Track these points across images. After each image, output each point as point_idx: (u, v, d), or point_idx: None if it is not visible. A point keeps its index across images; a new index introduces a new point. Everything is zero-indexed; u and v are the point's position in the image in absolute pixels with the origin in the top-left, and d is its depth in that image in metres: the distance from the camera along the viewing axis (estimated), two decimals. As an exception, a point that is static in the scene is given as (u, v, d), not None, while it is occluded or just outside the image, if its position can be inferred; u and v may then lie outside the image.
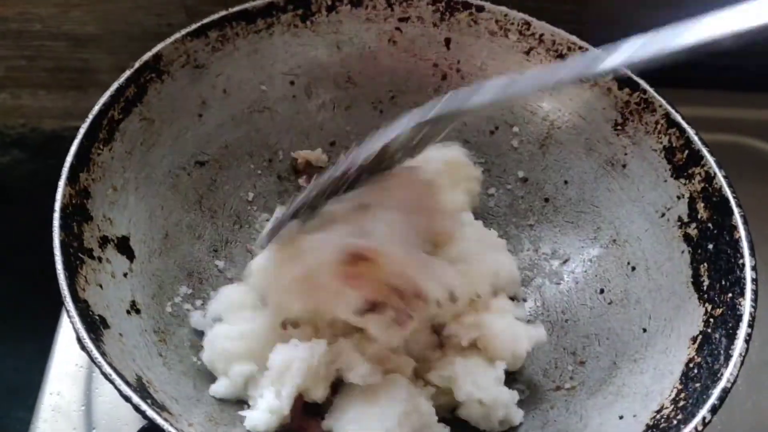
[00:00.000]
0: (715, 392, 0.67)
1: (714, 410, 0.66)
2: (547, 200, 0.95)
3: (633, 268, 0.86)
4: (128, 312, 0.76)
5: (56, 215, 0.72)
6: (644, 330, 0.81)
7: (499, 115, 0.98)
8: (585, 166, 0.93)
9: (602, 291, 0.87)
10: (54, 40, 1.17)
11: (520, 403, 0.81)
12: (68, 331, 0.90)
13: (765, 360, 0.97)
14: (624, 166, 0.90)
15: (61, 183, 0.75)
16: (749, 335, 0.70)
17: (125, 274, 0.79)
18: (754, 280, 0.73)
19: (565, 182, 0.94)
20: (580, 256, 0.91)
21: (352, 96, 0.99)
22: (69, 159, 0.77)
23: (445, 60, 0.98)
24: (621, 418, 0.74)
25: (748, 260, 0.75)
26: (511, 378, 0.84)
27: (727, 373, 0.68)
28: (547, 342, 0.85)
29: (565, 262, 0.92)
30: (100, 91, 0.83)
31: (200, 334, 0.82)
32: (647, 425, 0.70)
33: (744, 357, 0.69)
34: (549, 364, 0.85)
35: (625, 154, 0.90)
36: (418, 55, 0.99)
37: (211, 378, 0.79)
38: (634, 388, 0.76)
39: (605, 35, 0.92)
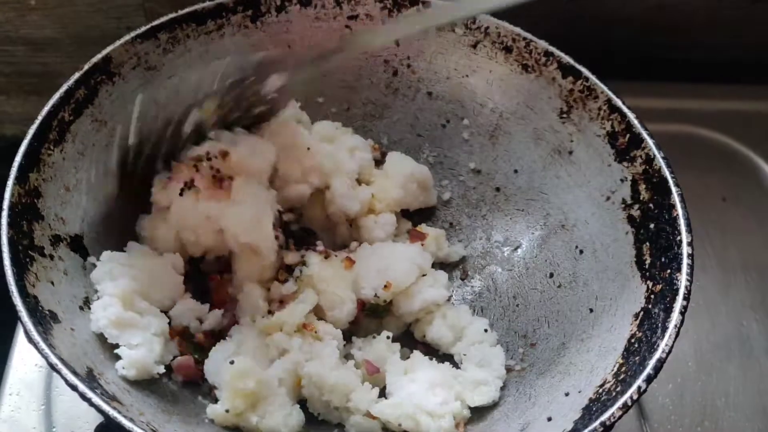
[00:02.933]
0: (651, 363, 0.69)
1: (649, 380, 0.68)
2: (498, 190, 0.97)
3: (581, 252, 0.88)
4: (81, 308, 0.77)
5: (4, 213, 0.73)
6: (591, 310, 0.83)
7: (450, 108, 1.00)
8: (534, 155, 0.95)
9: (552, 275, 0.89)
10: (12, 45, 1.18)
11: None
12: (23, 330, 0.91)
13: (715, 343, 0.99)
14: (570, 153, 0.92)
15: (10, 182, 0.76)
16: (684, 307, 0.72)
17: (79, 272, 0.80)
18: (690, 255, 0.76)
19: (515, 171, 0.96)
20: (530, 242, 0.93)
21: (303, 94, 1.00)
22: (18, 159, 0.78)
23: (395, 56, 1.00)
24: (567, 395, 0.75)
25: (684, 236, 0.77)
26: (465, 362, 0.86)
27: (663, 344, 0.70)
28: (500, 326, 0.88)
29: (516, 248, 0.93)
30: (62, 96, 0.84)
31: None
32: (590, 399, 0.72)
33: (679, 328, 0.71)
34: (501, 347, 0.86)
35: (571, 141, 0.92)
36: (368, 52, 1.01)
37: (166, 372, 0.80)
38: (581, 366, 0.78)
39: (553, 29, 0.96)
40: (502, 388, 0.82)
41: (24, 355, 0.90)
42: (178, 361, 0.80)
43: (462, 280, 0.94)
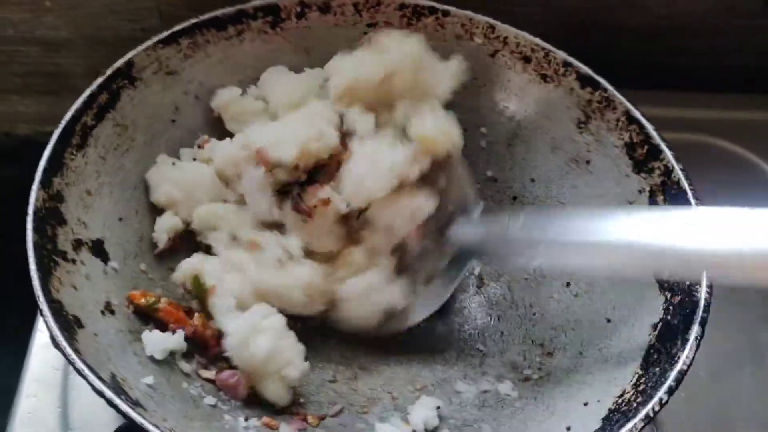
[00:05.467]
0: (672, 374, 0.70)
1: (671, 392, 0.69)
2: (515, 198, 0.98)
3: (598, 261, 0.88)
4: (103, 312, 0.77)
5: (29, 218, 0.74)
6: (608, 320, 0.83)
7: (467, 116, 1.00)
8: (551, 164, 0.96)
9: (568, 284, 0.90)
10: (27, 45, 1.18)
11: (489, 395, 0.84)
12: (44, 334, 0.90)
13: (726, 351, 0.99)
14: (588, 162, 0.93)
15: (35, 187, 0.76)
16: (704, 319, 0.73)
17: (100, 276, 0.80)
18: (710, 268, 0.76)
19: (532, 180, 0.97)
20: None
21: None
22: (42, 163, 0.78)
23: (413, 64, 1.01)
24: (586, 404, 0.76)
25: (704, 248, 0.77)
26: (481, 371, 0.87)
27: (684, 356, 0.70)
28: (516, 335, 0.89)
29: (533, 257, 0.94)
30: (74, 96, 0.84)
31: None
32: (609, 409, 0.73)
33: (700, 340, 0.71)
34: (518, 356, 0.87)
35: (589, 151, 0.93)
36: (386, 58, 1.01)
37: (185, 377, 0.80)
38: (599, 376, 0.79)
39: (563, 38, 0.97)
40: (521, 397, 0.83)
41: (41, 357, 0.91)
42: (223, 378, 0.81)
43: (478, 288, 0.94)
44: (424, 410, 0.82)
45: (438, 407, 0.82)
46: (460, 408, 0.84)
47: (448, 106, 0.99)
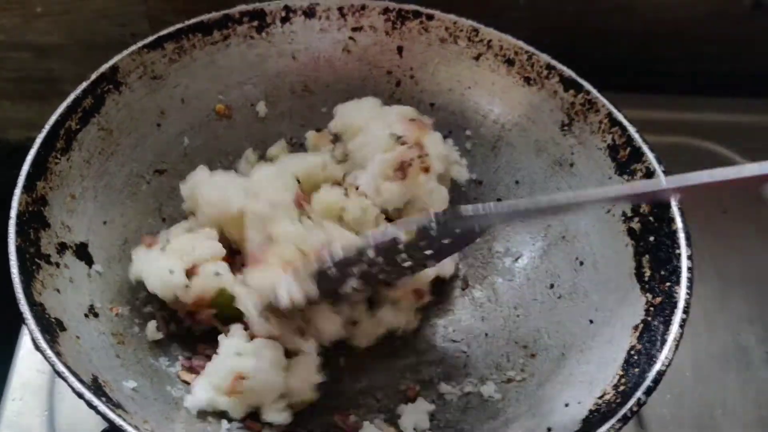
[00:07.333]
0: (651, 375, 0.70)
1: (649, 392, 0.69)
2: (499, 200, 0.98)
3: (581, 263, 0.89)
4: (86, 315, 0.78)
5: (11, 222, 0.74)
6: (591, 321, 0.83)
7: (452, 119, 1.01)
8: (535, 166, 0.96)
9: (552, 286, 0.90)
10: (18, 51, 1.19)
11: (472, 396, 0.84)
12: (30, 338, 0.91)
13: (712, 353, 1.00)
14: (571, 165, 0.93)
15: (17, 191, 0.77)
16: (684, 320, 0.73)
17: (84, 280, 0.80)
18: (690, 269, 0.76)
19: (516, 182, 0.97)
20: (532, 253, 0.94)
21: (308, 104, 1.02)
22: (25, 168, 0.79)
23: (399, 67, 1.01)
24: (567, 405, 0.76)
25: (684, 250, 0.78)
26: (465, 372, 0.87)
27: (662, 357, 0.71)
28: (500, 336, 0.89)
29: (517, 259, 0.94)
30: (65, 101, 0.85)
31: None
32: (590, 410, 0.73)
33: (679, 341, 0.72)
34: (502, 357, 0.87)
35: (572, 153, 0.93)
36: (372, 63, 1.02)
37: (168, 379, 0.80)
38: (581, 377, 0.79)
39: (555, 42, 0.98)
40: (503, 398, 0.83)
41: (27, 360, 0.91)
42: None
43: (463, 290, 0.95)
44: (414, 414, 0.83)
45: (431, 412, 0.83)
46: (444, 410, 0.84)
47: (434, 109, 1.01)
